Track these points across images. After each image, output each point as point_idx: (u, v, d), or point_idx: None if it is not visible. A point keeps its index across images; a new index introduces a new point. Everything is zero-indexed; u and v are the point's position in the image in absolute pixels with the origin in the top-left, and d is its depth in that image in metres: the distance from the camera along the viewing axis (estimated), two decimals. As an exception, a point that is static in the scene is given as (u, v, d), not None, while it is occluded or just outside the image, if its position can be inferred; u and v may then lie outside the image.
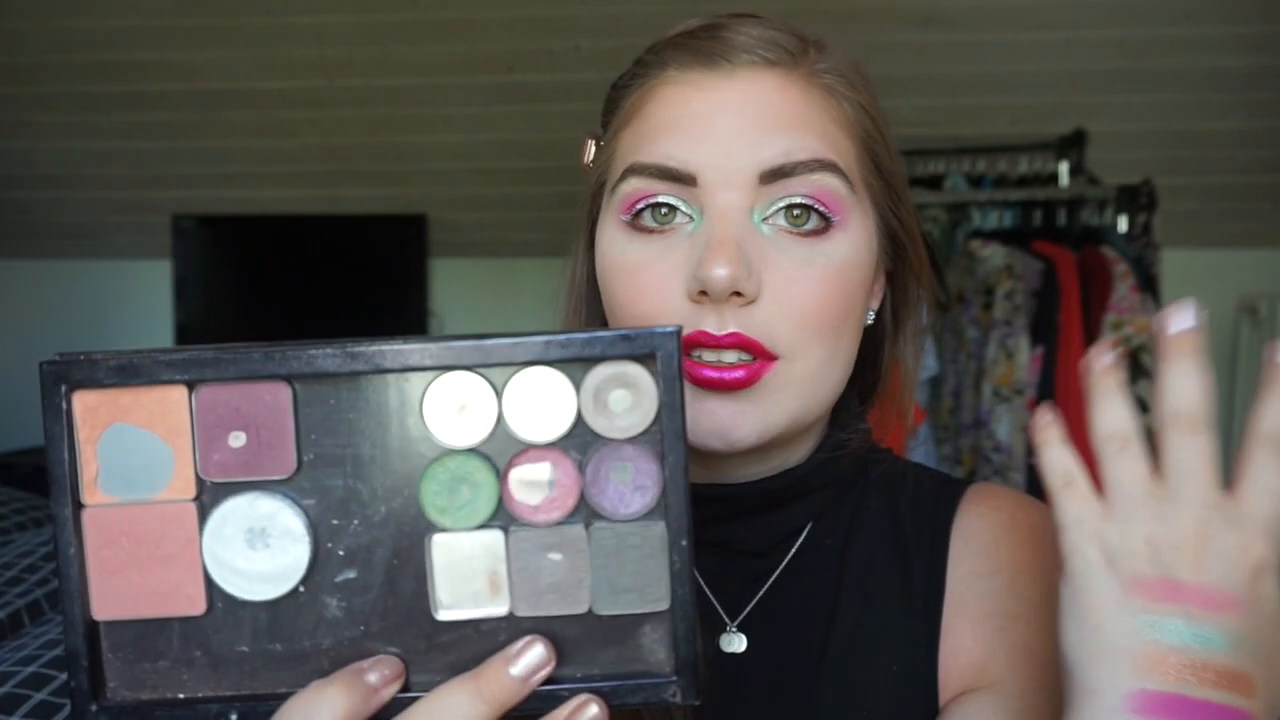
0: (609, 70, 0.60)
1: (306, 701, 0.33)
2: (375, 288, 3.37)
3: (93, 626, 0.35)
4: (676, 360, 0.33)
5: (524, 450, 0.34)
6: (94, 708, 0.35)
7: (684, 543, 0.34)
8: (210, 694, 0.35)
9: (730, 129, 0.51)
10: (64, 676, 0.92)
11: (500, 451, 0.34)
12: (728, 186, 0.50)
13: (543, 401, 0.34)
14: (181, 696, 0.35)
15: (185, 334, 3.50)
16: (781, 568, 0.57)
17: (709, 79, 0.52)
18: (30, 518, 1.57)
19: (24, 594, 1.15)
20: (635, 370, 0.34)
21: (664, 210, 0.52)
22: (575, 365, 0.34)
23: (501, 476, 0.34)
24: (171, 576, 0.34)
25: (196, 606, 0.34)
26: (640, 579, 0.35)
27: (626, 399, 0.34)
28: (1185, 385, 0.38)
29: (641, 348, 0.33)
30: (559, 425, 0.34)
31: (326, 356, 0.33)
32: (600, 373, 0.34)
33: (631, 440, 0.34)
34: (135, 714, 0.35)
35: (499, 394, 0.34)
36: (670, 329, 0.33)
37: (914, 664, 0.54)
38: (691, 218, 0.51)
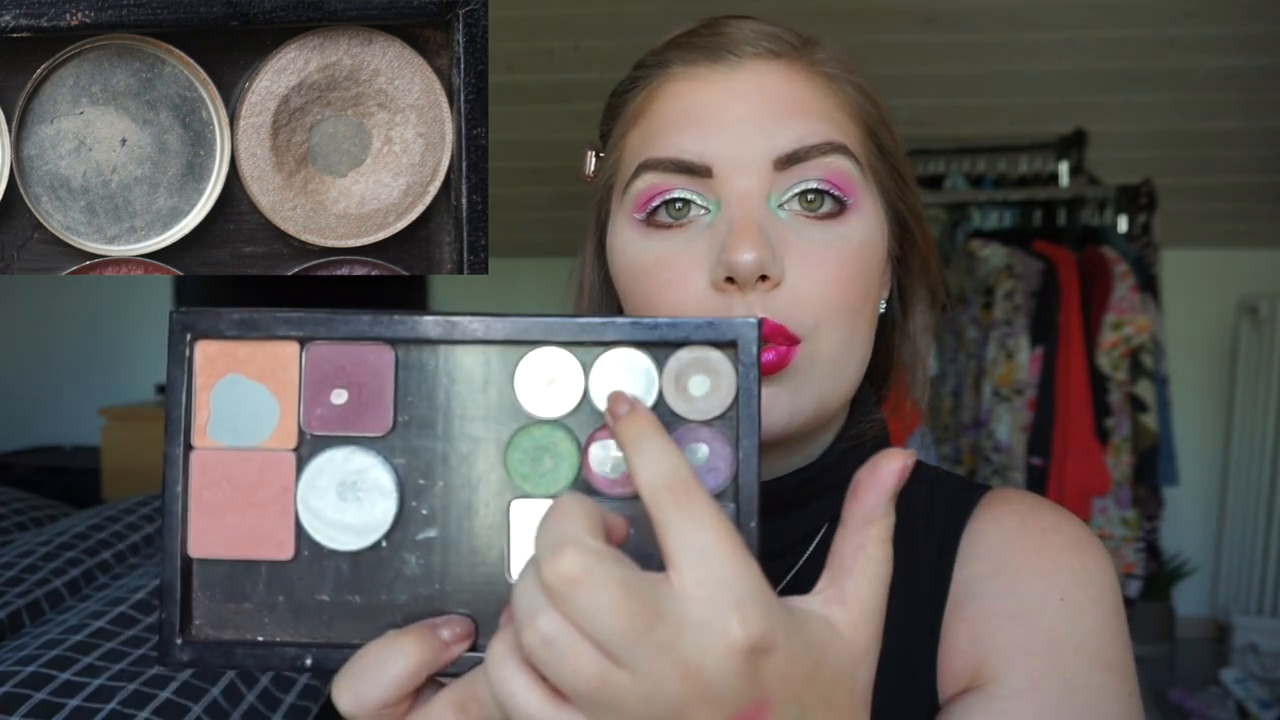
0: (609, 70, 0.60)
1: (381, 650, 0.34)
2: (376, 288, 3.37)
3: (188, 563, 0.37)
4: (756, 349, 0.35)
5: (606, 425, 0.36)
6: (180, 641, 0.37)
7: (753, 524, 0.35)
8: (288, 639, 0.37)
9: (742, 118, 0.51)
10: (64, 676, 0.92)
11: (583, 425, 0.36)
12: (744, 174, 0.51)
13: (627, 380, 0.36)
14: (261, 639, 0.37)
15: (185, 334, 3.49)
16: (797, 568, 0.57)
17: (716, 72, 0.53)
18: (30, 518, 1.57)
19: (24, 594, 1.15)
20: (716, 356, 0.35)
21: (679, 205, 0.52)
22: (660, 348, 0.36)
23: (583, 449, 0.36)
24: (265, 521, 0.36)
25: (285, 551, 0.36)
26: None
27: (705, 383, 0.35)
28: (657, 460, 0.31)
29: (724, 334, 0.35)
30: None
31: (429, 324, 0.36)
32: (683, 357, 0.35)
33: (707, 423, 0.36)
34: (216, 651, 0.37)
35: (586, 371, 0.36)
36: (752, 320, 0.35)
37: (915, 666, 0.54)
38: (708, 209, 0.52)
